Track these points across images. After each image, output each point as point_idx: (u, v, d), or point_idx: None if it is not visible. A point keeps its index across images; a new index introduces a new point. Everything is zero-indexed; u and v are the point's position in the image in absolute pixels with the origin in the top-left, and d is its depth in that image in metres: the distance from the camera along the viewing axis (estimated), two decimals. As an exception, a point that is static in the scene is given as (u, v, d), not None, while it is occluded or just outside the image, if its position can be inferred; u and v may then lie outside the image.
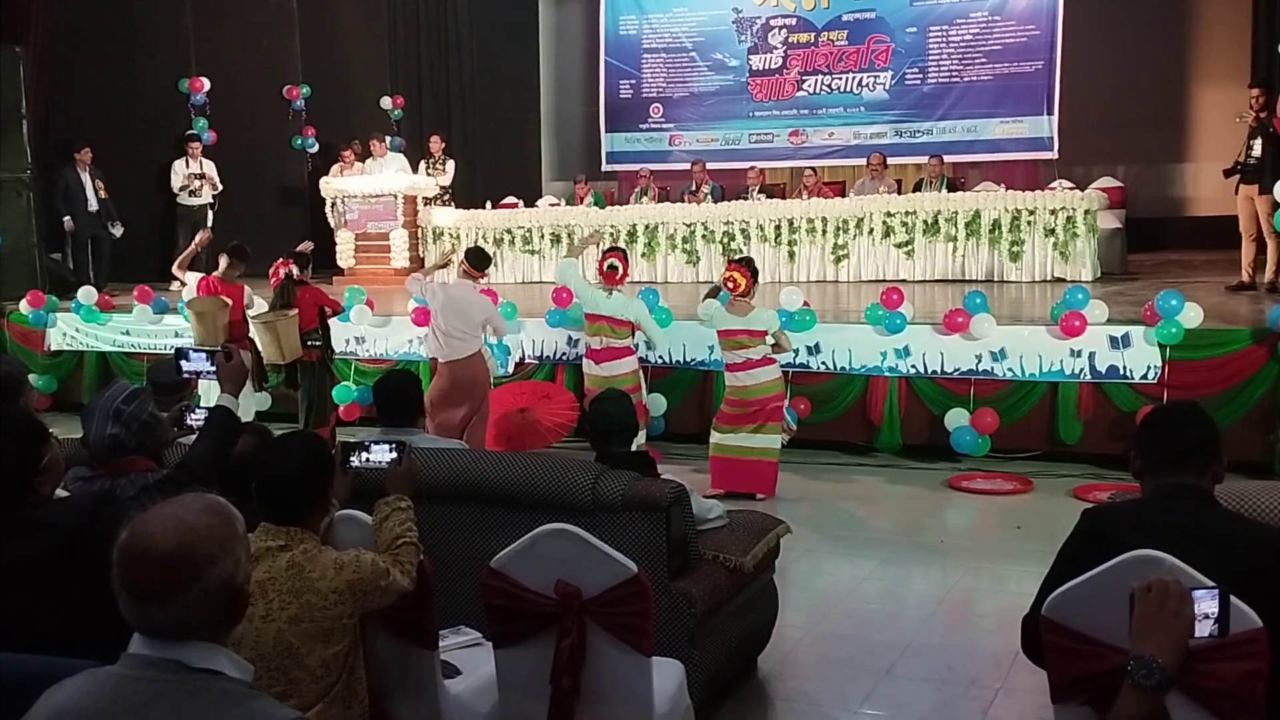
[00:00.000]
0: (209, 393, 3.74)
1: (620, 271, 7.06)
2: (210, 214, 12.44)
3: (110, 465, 3.09)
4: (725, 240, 11.13)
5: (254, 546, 2.60)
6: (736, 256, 7.03)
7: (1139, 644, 2.03)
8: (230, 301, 7.74)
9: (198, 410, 3.61)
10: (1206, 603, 2.04)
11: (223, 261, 7.91)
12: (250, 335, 7.83)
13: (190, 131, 12.71)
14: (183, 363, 3.48)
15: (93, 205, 11.59)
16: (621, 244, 11.48)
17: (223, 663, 1.74)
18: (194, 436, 3.84)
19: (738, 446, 6.68)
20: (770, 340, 6.70)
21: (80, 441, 3.17)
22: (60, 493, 2.79)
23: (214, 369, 3.34)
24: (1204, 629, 2.04)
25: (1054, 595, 2.35)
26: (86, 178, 11.54)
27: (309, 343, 7.50)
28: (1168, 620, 2.02)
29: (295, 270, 7.62)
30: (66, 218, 11.51)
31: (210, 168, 12.39)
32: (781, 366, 7.73)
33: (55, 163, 11.55)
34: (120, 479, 3.04)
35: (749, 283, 6.64)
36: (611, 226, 11.59)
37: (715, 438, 6.79)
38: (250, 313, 7.95)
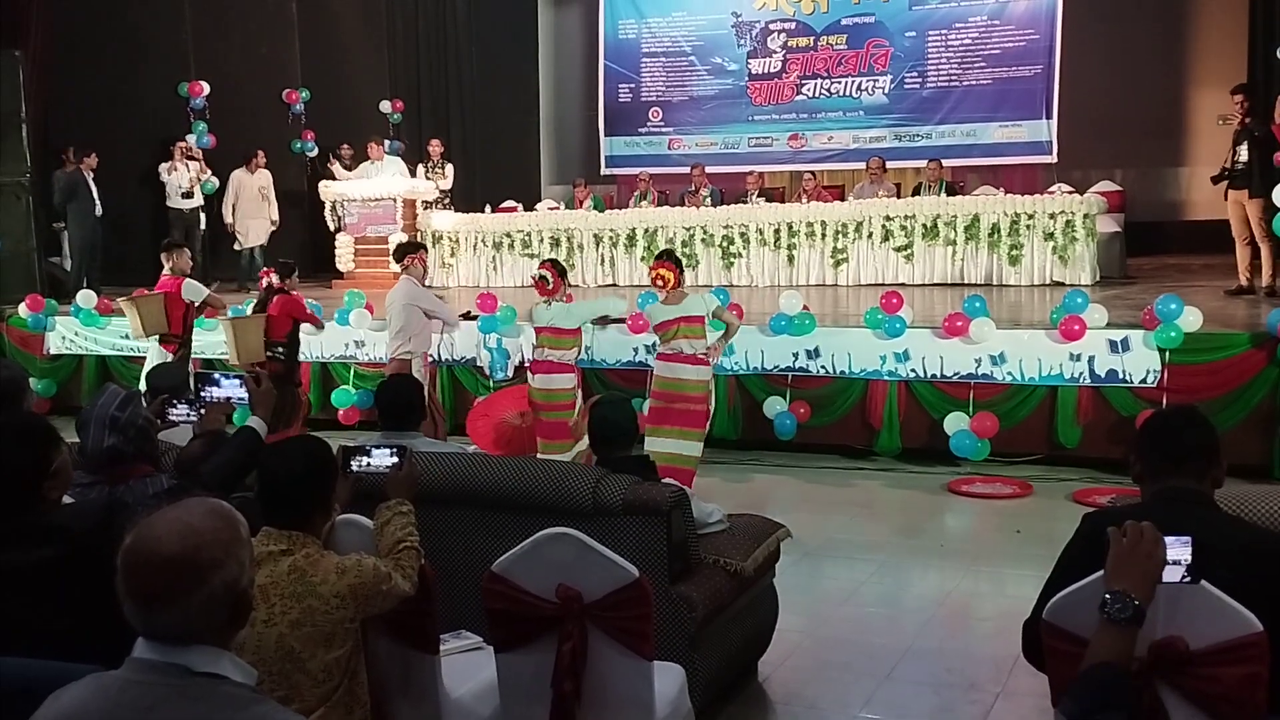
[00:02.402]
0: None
1: (550, 283, 6.85)
2: (203, 217, 12.44)
3: (110, 473, 3.09)
4: (725, 244, 11.16)
5: (256, 551, 2.60)
6: (659, 252, 7.01)
7: (1112, 581, 2.10)
8: (162, 294, 7.94)
9: (179, 404, 3.62)
10: (1178, 549, 2.12)
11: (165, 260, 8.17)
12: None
13: (189, 136, 12.73)
14: (212, 389, 3.49)
15: (98, 210, 11.60)
16: (620, 248, 11.53)
17: (226, 667, 1.74)
18: (177, 429, 3.84)
19: (658, 453, 6.34)
20: (711, 328, 6.58)
21: (78, 450, 3.17)
22: (65, 498, 2.79)
23: (245, 395, 3.38)
24: (1174, 574, 2.11)
25: (1054, 599, 2.35)
26: (92, 183, 11.55)
27: (272, 352, 7.56)
28: (1141, 560, 2.10)
29: (275, 279, 7.73)
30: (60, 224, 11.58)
31: (195, 168, 12.37)
32: (780, 371, 7.77)
33: (55, 164, 11.59)
34: (120, 485, 3.04)
35: (677, 276, 6.62)
36: (610, 230, 11.63)
37: (647, 443, 6.51)
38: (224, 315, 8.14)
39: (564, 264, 7.75)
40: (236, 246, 12.71)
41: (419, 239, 12.11)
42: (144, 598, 1.70)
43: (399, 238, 11.85)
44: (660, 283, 6.58)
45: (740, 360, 7.88)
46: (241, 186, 12.68)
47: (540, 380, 6.85)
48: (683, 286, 6.72)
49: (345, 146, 13.40)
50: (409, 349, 7.25)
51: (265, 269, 7.92)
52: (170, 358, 7.69)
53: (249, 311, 7.79)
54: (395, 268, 7.78)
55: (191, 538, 1.73)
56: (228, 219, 12.60)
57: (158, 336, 7.98)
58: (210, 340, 8.83)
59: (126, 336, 9.90)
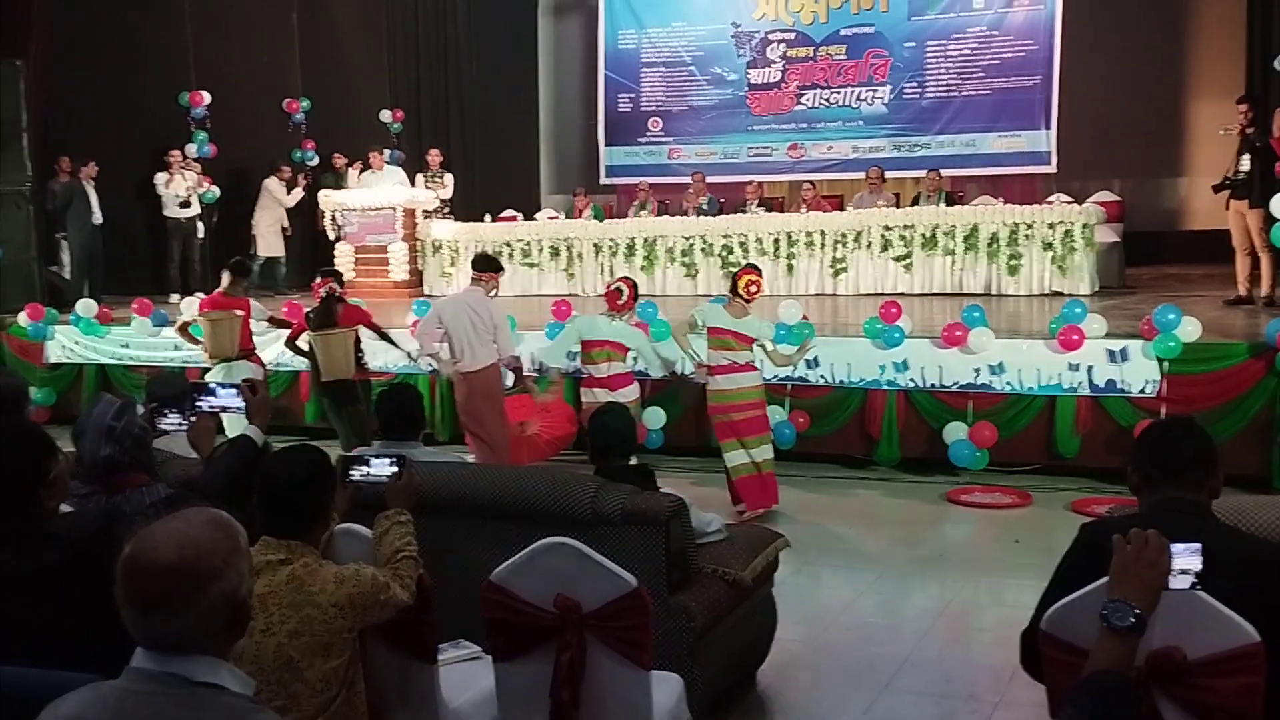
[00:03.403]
0: (233, 425, 3.78)
1: (624, 297, 6.84)
2: (200, 226, 12.43)
3: (107, 483, 3.09)
4: (724, 254, 11.16)
5: (254, 560, 2.60)
6: (747, 263, 7.00)
7: (1115, 589, 2.09)
8: (243, 313, 7.73)
9: (170, 413, 3.61)
10: (1186, 557, 2.09)
11: (225, 278, 7.89)
12: (256, 351, 7.91)
13: (189, 146, 12.74)
14: (208, 399, 3.48)
15: (97, 218, 11.61)
16: (620, 257, 11.53)
17: (224, 676, 1.74)
18: (167, 436, 3.84)
19: (759, 463, 6.51)
20: (760, 351, 6.63)
21: (75, 460, 3.17)
22: (63, 507, 2.79)
23: (243, 405, 3.38)
24: (1182, 582, 2.09)
25: (1052, 609, 2.35)
26: (91, 192, 11.56)
27: (362, 362, 7.43)
28: (1144, 569, 2.09)
29: (336, 287, 7.50)
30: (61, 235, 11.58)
31: (192, 178, 12.39)
32: (780, 379, 7.77)
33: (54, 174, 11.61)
34: (118, 495, 3.05)
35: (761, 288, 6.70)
36: (610, 240, 11.63)
37: (734, 459, 6.53)
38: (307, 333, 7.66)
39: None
40: (262, 254, 12.76)
41: (419, 248, 12.14)
42: (142, 607, 1.71)
43: (399, 247, 11.90)
44: (754, 289, 6.56)
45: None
46: (271, 198, 12.79)
47: (604, 395, 6.60)
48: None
49: (338, 156, 13.42)
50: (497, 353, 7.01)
51: (324, 278, 7.67)
52: (258, 371, 7.54)
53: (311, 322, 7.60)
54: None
55: (190, 547, 1.73)
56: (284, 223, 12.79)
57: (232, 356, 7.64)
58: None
59: (126, 345, 9.93)
